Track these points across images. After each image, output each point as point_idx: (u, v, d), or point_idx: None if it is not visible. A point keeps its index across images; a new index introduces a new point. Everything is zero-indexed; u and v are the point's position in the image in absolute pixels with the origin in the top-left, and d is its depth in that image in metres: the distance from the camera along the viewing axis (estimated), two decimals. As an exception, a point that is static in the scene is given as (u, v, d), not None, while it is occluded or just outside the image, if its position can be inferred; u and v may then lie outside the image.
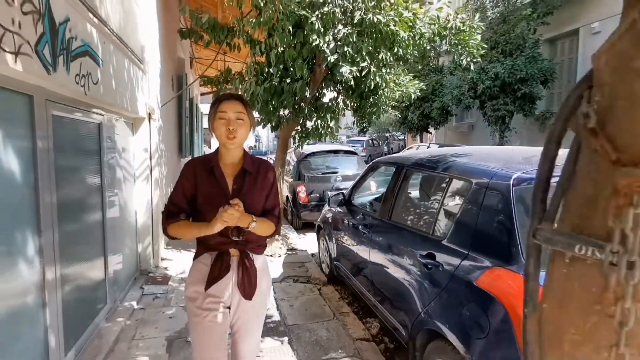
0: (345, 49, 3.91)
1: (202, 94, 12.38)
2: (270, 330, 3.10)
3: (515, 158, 2.34)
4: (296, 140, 5.39)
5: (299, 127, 5.24)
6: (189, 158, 4.97)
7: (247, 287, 1.58)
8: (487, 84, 10.00)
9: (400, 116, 15.09)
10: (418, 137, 16.39)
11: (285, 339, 2.98)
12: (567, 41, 11.12)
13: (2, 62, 1.45)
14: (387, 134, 23.86)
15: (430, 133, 15.92)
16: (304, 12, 3.74)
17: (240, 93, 4.73)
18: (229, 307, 1.63)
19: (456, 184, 2.29)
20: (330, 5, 3.78)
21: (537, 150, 2.44)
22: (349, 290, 3.93)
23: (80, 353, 2.48)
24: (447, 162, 2.45)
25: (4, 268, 1.70)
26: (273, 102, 4.60)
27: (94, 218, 2.89)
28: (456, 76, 11.10)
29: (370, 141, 22.54)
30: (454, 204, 2.38)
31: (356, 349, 2.86)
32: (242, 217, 1.46)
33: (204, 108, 11.41)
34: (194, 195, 1.57)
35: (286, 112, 4.87)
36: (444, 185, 2.42)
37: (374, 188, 4.58)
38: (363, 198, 3.91)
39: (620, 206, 0.54)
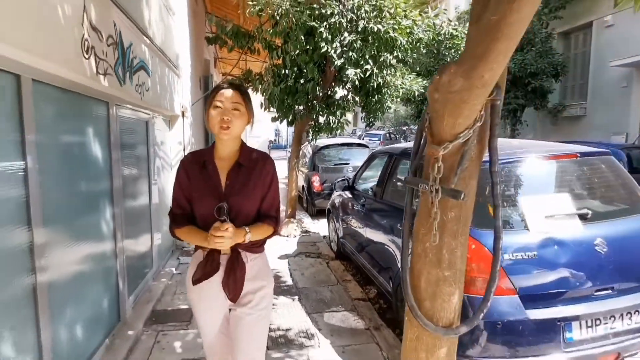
0: (350, 53, 4.49)
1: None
2: (284, 291, 3.76)
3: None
4: (310, 134, 6.01)
5: (312, 122, 5.86)
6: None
7: (232, 289, 1.48)
8: (497, 78, 10.26)
9: (415, 110, 15.46)
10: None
11: (296, 297, 3.64)
12: (580, 34, 11.21)
13: (97, 81, 2.14)
14: (405, 128, 24.12)
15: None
16: (314, 23, 4.34)
17: (259, 92, 5.38)
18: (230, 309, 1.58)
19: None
20: (337, 16, 4.36)
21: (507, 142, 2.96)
22: (353, 265, 4.55)
23: (137, 299, 3.23)
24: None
25: (93, 235, 2.42)
26: (288, 100, 5.23)
27: (144, 199, 3.62)
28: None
29: (388, 135, 22.91)
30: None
31: (354, 305, 3.48)
32: (235, 237, 1.38)
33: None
34: (190, 195, 1.51)
35: (300, 108, 5.50)
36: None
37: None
38: (365, 184, 4.50)
39: (432, 163, 1.13)
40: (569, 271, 2.07)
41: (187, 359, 2.59)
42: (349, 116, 6.44)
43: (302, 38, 4.42)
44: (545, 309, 2.03)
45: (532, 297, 2.03)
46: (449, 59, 4.84)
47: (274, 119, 5.83)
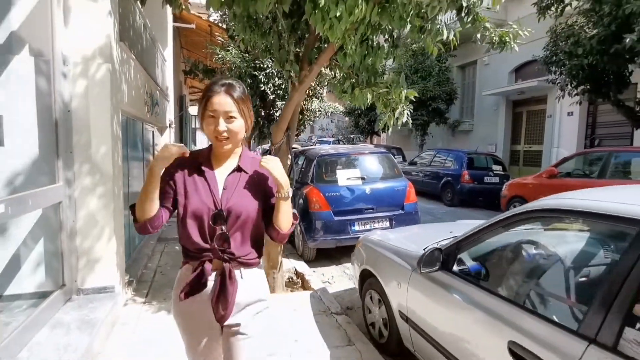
0: (279, 91, 7.19)
1: (190, 101, 15.42)
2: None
3: (336, 148, 5.66)
4: (257, 140, 8.64)
5: (257, 132, 8.49)
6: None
7: (221, 309, 1.33)
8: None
9: (354, 122, 18.55)
10: (368, 139, 19.84)
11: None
12: (471, 68, 14.75)
13: (145, 114, 4.65)
14: (352, 136, 27.31)
15: (379, 135, 19.40)
16: (256, 72, 7.02)
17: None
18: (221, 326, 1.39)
19: (308, 157, 5.62)
20: (270, 67, 7.05)
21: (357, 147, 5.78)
22: None
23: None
24: (313, 149, 5.75)
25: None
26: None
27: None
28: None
29: (337, 141, 25.99)
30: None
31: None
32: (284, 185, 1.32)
33: (193, 110, 14.41)
34: (174, 196, 1.35)
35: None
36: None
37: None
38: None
39: (275, 149, 3.83)
40: (354, 201, 4.87)
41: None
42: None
43: (249, 80, 7.07)
44: (343, 217, 4.80)
45: (337, 212, 4.81)
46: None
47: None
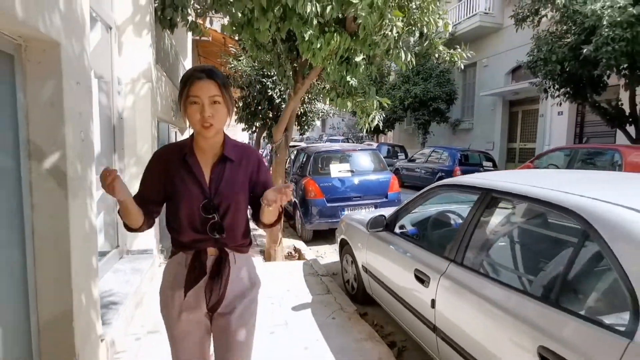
0: (285, 96, 8.11)
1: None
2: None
3: (331, 146, 6.55)
4: (266, 139, 9.59)
5: (267, 131, 9.43)
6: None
7: (213, 296, 1.33)
8: (409, 100, 14.23)
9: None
10: (375, 138, 20.63)
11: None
12: (471, 70, 15.38)
13: (170, 118, 5.64)
14: (361, 134, 28.09)
15: (385, 134, 20.17)
16: (263, 79, 7.95)
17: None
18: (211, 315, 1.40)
19: (307, 153, 6.54)
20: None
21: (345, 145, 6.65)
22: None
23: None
24: (311, 146, 6.65)
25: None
26: (252, 119, 8.82)
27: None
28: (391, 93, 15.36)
29: (347, 140, 26.83)
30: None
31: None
32: (273, 210, 1.33)
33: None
34: (163, 189, 1.36)
35: (258, 124, 9.10)
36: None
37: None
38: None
39: (275, 146, 4.74)
40: (344, 190, 5.76)
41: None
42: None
43: (258, 86, 8.01)
44: (335, 203, 5.70)
45: (330, 199, 5.70)
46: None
47: (243, 129, 9.41)
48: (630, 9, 5.43)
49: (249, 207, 1.46)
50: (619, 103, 7.75)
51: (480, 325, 1.83)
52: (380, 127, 18.10)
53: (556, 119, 11.10)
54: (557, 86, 7.90)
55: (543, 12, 7.25)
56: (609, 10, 5.42)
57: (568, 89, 7.90)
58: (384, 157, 13.55)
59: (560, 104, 8.32)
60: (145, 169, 1.40)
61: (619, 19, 5.43)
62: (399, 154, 15.26)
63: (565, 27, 6.85)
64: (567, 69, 7.09)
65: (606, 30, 5.53)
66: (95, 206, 2.17)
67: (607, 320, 1.35)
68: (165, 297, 1.40)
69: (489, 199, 2.15)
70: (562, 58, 6.99)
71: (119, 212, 1.32)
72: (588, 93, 7.71)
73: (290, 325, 3.02)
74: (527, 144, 12.81)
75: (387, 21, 3.13)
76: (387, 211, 3.29)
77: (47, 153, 1.74)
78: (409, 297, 2.51)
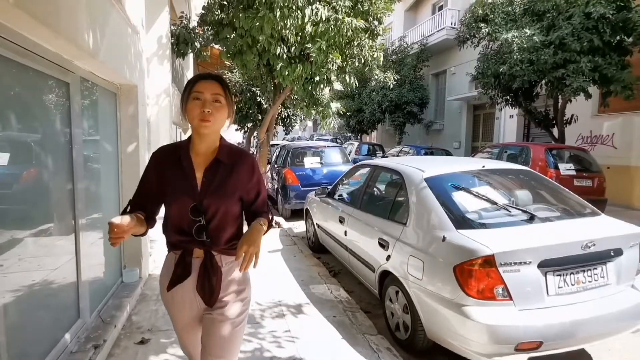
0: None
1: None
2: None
3: (307, 144, 8.14)
4: (257, 138, 11.15)
5: (257, 131, 10.99)
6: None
7: (208, 293, 1.40)
8: (386, 104, 15.85)
9: (346, 121, 20.97)
10: (359, 137, 22.26)
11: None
12: (442, 76, 17.06)
13: (179, 122, 7.18)
14: (348, 134, 29.73)
15: (369, 134, 21.80)
16: (254, 88, 9.53)
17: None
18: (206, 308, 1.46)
19: (287, 149, 8.13)
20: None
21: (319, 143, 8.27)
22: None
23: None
24: (290, 144, 8.22)
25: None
26: (243, 121, 10.38)
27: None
28: (370, 97, 16.99)
29: (335, 139, 28.46)
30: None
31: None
32: (258, 235, 1.32)
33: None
34: (159, 191, 1.39)
35: (249, 125, 10.68)
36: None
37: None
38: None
39: (261, 143, 6.32)
40: (315, 178, 7.36)
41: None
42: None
43: (248, 94, 9.59)
44: (308, 188, 7.26)
45: (304, 185, 7.28)
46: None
47: (236, 130, 10.99)
48: (535, 38, 7.07)
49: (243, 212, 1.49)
50: (547, 109, 9.43)
51: (360, 236, 3.44)
52: (364, 128, 19.76)
53: (508, 121, 12.78)
54: (499, 94, 9.55)
55: (477, 37, 8.90)
56: (517, 40, 7.05)
57: (507, 97, 9.56)
58: (364, 155, 15.38)
59: (502, 109, 9.98)
60: (145, 169, 1.43)
61: (525, 45, 7.07)
62: (377, 152, 16.88)
63: (495, 48, 8.50)
64: (502, 82, 8.73)
65: (517, 54, 7.17)
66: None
67: (401, 219, 2.96)
68: (161, 286, 1.49)
69: (374, 170, 3.77)
70: (496, 73, 8.63)
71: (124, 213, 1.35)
72: (521, 101, 9.37)
73: (265, 260, 4.62)
74: (486, 143, 14.47)
75: (330, 58, 4.74)
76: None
77: (129, 142, 3.31)
78: (336, 234, 4.12)
